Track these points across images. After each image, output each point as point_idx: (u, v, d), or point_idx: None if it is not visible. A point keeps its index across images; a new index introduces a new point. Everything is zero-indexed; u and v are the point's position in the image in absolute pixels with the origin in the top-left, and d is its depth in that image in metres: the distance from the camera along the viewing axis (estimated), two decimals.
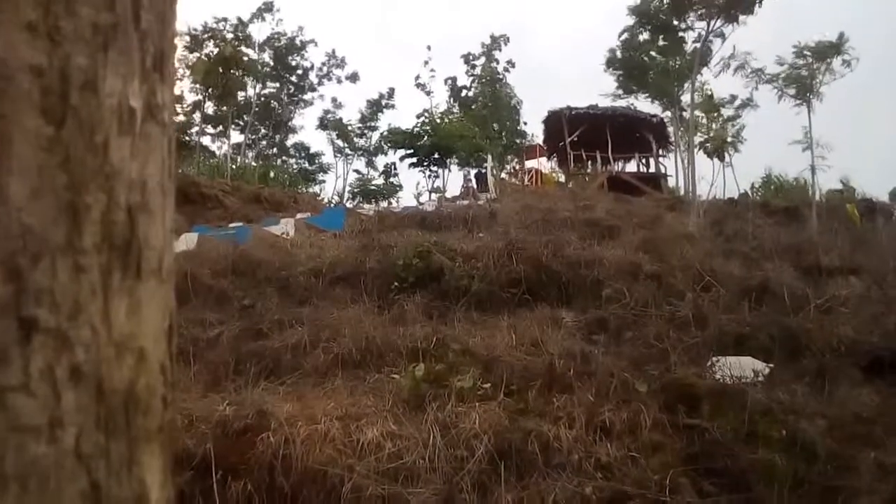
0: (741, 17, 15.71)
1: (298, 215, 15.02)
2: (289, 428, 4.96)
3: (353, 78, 35.82)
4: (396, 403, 5.59)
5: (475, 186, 28.50)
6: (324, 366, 6.60)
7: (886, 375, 6.57)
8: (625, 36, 19.32)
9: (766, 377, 6.39)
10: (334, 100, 36.57)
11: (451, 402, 5.53)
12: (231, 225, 13.72)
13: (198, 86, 27.67)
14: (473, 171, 30.47)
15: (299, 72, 35.15)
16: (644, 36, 19.09)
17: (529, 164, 33.08)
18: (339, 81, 35.93)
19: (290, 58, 34.36)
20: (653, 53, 22.19)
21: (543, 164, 32.73)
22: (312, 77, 35.56)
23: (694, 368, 6.45)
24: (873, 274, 10.86)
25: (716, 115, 24.76)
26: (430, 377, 5.83)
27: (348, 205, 32.73)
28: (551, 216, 14.42)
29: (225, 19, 29.28)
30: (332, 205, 28.98)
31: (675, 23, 17.82)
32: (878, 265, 11.54)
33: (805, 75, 17.29)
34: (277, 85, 34.89)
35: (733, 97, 25.57)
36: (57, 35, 0.52)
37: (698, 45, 18.11)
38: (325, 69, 35.64)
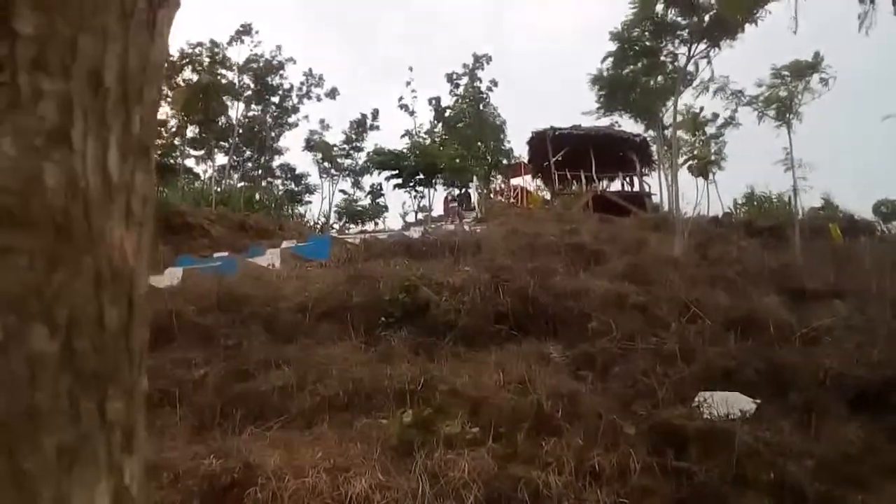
0: (724, 42, 15.86)
1: (284, 243, 14.99)
2: (276, 482, 4.91)
3: (332, 94, 35.90)
4: (385, 451, 5.54)
5: (459, 208, 28.59)
6: (311, 409, 6.56)
7: (871, 409, 6.62)
8: (608, 61, 19.49)
9: (753, 414, 6.42)
10: (322, 121, 36.66)
11: (439, 448, 5.50)
12: (216, 255, 13.67)
13: (179, 114, 27.66)
14: (457, 192, 30.57)
15: (280, 92, 35.16)
16: (628, 61, 19.23)
17: (514, 181, 33.25)
18: (319, 99, 36.02)
19: (269, 78, 34.36)
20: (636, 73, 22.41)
21: (528, 182, 32.93)
22: (293, 97, 35.60)
23: (681, 406, 6.46)
24: (857, 296, 10.96)
25: (698, 133, 25.01)
26: (418, 422, 5.80)
27: (335, 226, 32.80)
28: (537, 241, 14.50)
29: (200, 44, 29.33)
30: (318, 227, 28.99)
31: (658, 45, 17.99)
32: (860, 286, 11.64)
33: (784, 96, 17.53)
34: (260, 107, 34.90)
35: (715, 115, 25.88)
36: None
37: (680, 64, 18.30)
38: (304, 88, 35.72)
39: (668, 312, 8.98)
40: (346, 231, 29.64)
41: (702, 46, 15.83)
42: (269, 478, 4.96)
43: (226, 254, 13.75)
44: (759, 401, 6.72)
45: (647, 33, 16.78)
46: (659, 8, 16.04)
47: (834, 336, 8.47)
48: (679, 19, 15.81)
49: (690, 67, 17.68)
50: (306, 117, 36.06)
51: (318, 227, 29.66)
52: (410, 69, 45.14)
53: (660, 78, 20.91)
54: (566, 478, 5.26)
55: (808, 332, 8.48)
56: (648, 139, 28.24)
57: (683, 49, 16.90)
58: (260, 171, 37.22)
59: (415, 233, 16.82)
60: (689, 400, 6.72)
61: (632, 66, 20.24)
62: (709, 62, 17.45)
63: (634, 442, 5.67)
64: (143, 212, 0.63)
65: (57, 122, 0.54)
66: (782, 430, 6.02)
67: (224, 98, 30.22)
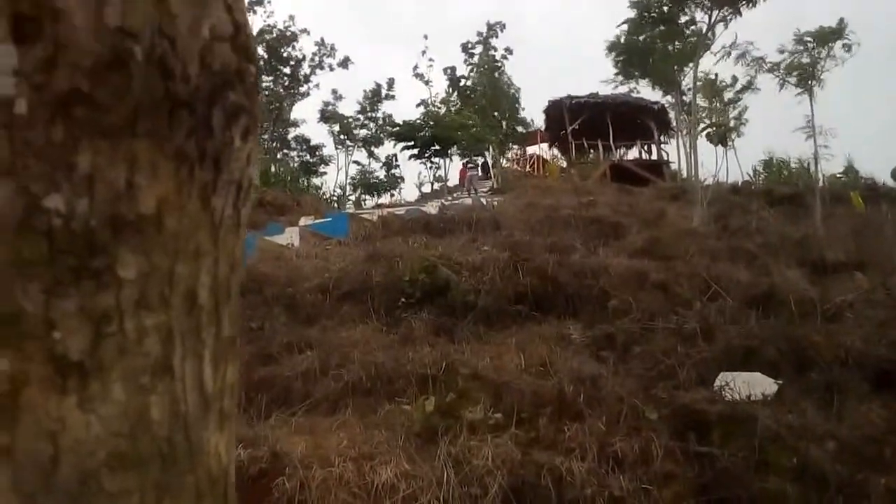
0: (744, 6, 15.55)
1: (302, 220, 15.06)
2: (303, 471, 4.99)
3: (344, 64, 35.52)
4: (409, 438, 5.61)
5: (478, 174, 28.49)
6: (334, 394, 6.63)
7: (894, 388, 6.60)
8: (624, 27, 19.14)
9: (774, 395, 6.42)
10: (335, 91, 36.44)
11: (462, 435, 5.55)
12: None
13: None
14: (480, 161, 30.45)
15: (292, 63, 34.85)
16: (645, 28, 18.87)
17: (531, 149, 33.06)
18: (332, 69, 35.71)
19: (282, 49, 34.08)
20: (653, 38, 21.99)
21: (545, 150, 32.74)
22: (305, 67, 35.30)
23: (703, 388, 6.48)
24: (879, 268, 10.89)
25: (717, 99, 24.64)
26: (441, 409, 5.86)
27: (351, 198, 32.83)
28: (555, 214, 14.45)
29: None
30: (334, 200, 29.03)
31: (677, 11, 17.64)
32: (882, 258, 11.56)
33: (806, 62, 17.20)
34: (272, 78, 34.67)
35: (735, 79, 25.45)
36: None
37: (700, 27, 17.93)
38: (316, 59, 35.39)
39: (689, 289, 8.96)
40: (363, 203, 29.69)
41: (722, 14, 15.54)
42: (296, 466, 5.05)
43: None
44: (780, 381, 6.72)
45: (666, 2, 16.48)
46: None
47: (856, 311, 8.43)
48: None
49: (709, 33, 17.37)
50: (317, 86, 35.80)
51: (335, 200, 29.70)
52: (426, 37, 44.76)
53: (677, 43, 20.53)
54: (589, 464, 5.30)
55: (830, 307, 8.44)
56: (666, 106, 27.88)
57: (702, 15, 16.61)
58: (276, 144, 37.14)
59: (432, 207, 16.81)
60: (710, 381, 6.73)
61: (649, 32, 19.87)
62: (725, 26, 17.11)
63: (656, 426, 5.70)
64: (233, 404, 0.65)
65: (160, 355, 0.55)
66: (804, 412, 6.02)
67: None
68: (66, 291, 0.49)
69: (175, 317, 0.56)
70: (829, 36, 16.41)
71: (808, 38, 16.62)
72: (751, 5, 14.94)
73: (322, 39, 35.40)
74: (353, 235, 13.19)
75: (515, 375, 6.64)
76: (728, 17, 15.79)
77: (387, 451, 5.37)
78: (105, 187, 0.50)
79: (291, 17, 33.88)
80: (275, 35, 33.36)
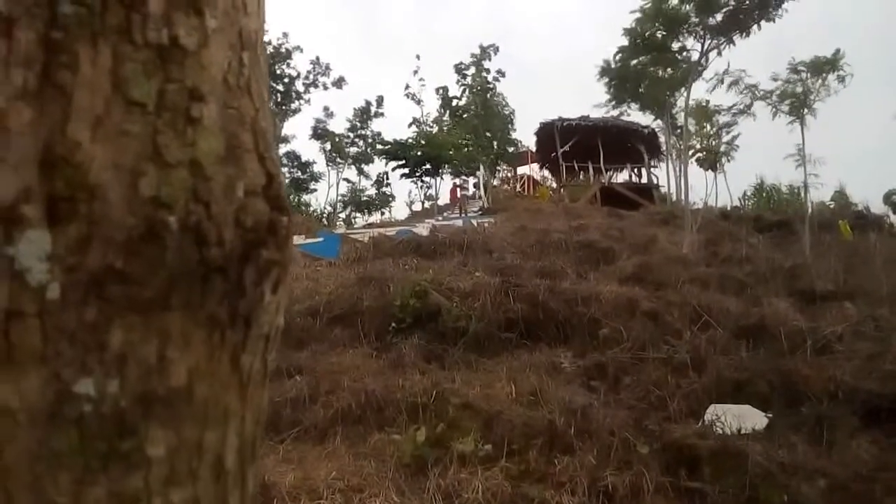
0: (737, 37, 15.73)
1: (293, 239, 15.00)
2: (291, 503, 4.94)
3: (339, 83, 35.50)
4: (398, 469, 5.57)
5: (469, 193, 28.60)
6: (324, 422, 6.58)
7: (883, 424, 6.60)
8: (619, 56, 19.27)
9: (764, 429, 6.42)
10: (326, 108, 36.41)
11: (453, 467, 5.52)
12: None
13: None
14: (472, 180, 30.55)
15: (285, 80, 34.81)
16: (638, 53, 19.03)
17: (521, 170, 33.20)
18: (326, 88, 35.69)
19: (276, 66, 34.06)
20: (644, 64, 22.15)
21: (535, 170, 32.90)
22: (299, 85, 35.26)
23: (693, 421, 6.48)
24: (867, 297, 10.94)
25: (709, 124, 24.79)
26: (432, 440, 5.82)
27: (341, 215, 32.82)
28: (546, 238, 14.48)
29: None
30: (325, 218, 28.99)
31: (670, 39, 17.80)
32: (871, 286, 11.62)
33: (799, 91, 17.35)
34: None
35: (733, 104, 25.57)
36: None
37: (693, 53, 18.08)
38: (310, 77, 35.37)
39: (679, 318, 8.98)
40: (353, 221, 29.69)
41: (715, 42, 15.70)
42: (285, 499, 4.99)
43: None
44: (770, 414, 6.73)
45: (659, 29, 16.60)
46: (674, 1, 15.82)
47: (845, 343, 8.45)
48: (693, 18, 15.63)
49: (702, 60, 17.53)
50: (308, 101, 35.72)
51: (325, 217, 29.67)
52: (418, 57, 44.88)
53: (669, 69, 20.69)
54: (580, 498, 5.27)
55: (820, 339, 8.46)
56: (657, 130, 28.09)
57: (694, 43, 16.77)
58: None
59: (422, 227, 16.79)
60: (700, 413, 6.73)
61: (640, 59, 20.03)
62: (719, 53, 17.26)
63: (647, 461, 5.68)
64: None
65: None
66: (794, 447, 6.02)
67: None
68: (96, 478, 0.47)
69: (202, 488, 0.54)
70: (823, 66, 16.56)
71: (802, 68, 16.79)
72: (744, 35, 15.12)
73: (317, 58, 35.49)
74: (343, 256, 13.16)
75: (506, 405, 6.61)
76: (721, 46, 15.97)
77: (376, 483, 5.32)
78: (136, 365, 0.48)
79: (285, 34, 33.91)
80: (269, 52, 33.32)
